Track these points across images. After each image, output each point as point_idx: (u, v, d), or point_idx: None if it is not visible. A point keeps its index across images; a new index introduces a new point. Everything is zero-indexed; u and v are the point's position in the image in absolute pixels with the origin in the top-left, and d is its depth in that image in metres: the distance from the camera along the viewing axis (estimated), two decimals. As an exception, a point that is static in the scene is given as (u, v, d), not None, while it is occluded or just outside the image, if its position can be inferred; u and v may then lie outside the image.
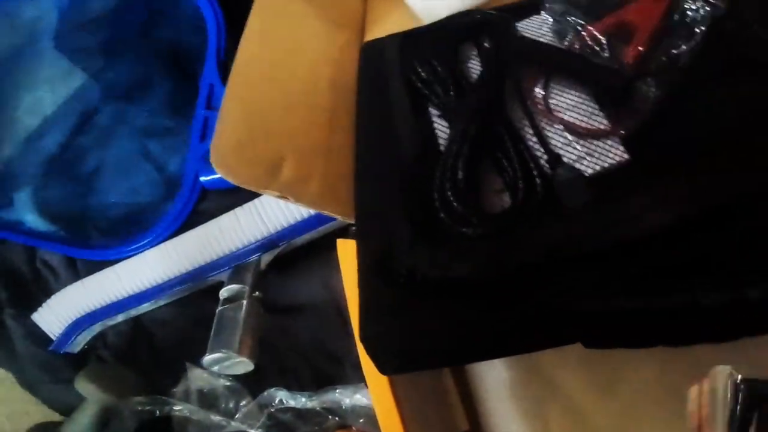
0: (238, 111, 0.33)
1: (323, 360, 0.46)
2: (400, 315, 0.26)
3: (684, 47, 0.27)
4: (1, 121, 0.55)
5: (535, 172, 0.26)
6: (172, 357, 0.50)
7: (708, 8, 0.28)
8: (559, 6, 0.30)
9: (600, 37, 0.28)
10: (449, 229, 0.25)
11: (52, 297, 0.49)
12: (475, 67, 0.30)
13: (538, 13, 0.31)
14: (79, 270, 0.51)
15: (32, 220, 0.51)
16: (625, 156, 0.27)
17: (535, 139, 0.27)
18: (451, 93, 0.28)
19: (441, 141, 0.28)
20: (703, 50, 0.27)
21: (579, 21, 0.29)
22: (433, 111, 0.29)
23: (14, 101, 0.54)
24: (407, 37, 0.33)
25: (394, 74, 0.31)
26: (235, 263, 0.44)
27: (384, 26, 0.42)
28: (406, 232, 0.25)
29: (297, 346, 0.47)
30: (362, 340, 0.27)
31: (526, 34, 0.31)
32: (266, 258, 0.44)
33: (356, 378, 0.44)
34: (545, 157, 0.27)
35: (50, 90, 0.53)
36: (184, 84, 0.46)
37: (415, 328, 0.26)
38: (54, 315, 0.49)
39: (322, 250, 0.43)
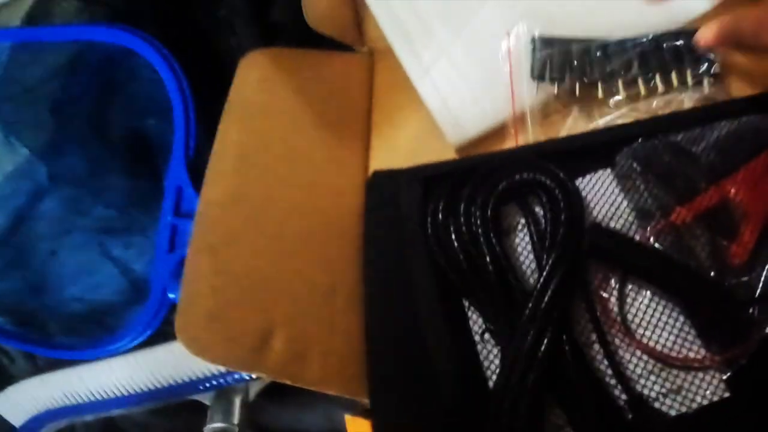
0: (208, 269, 0.26)
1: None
2: None
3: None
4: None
5: (610, 419, 0.20)
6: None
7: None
8: (632, 166, 0.23)
9: (692, 229, 0.21)
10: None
11: (10, 387, 0.44)
12: (522, 244, 0.23)
13: (606, 167, 0.24)
14: (37, 360, 0.46)
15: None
16: (725, 394, 0.20)
17: (608, 367, 0.21)
18: (495, 295, 0.21)
19: (485, 361, 0.21)
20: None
21: (661, 197, 0.22)
22: (472, 314, 0.22)
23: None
24: (429, 184, 0.25)
25: (417, 245, 0.23)
26: (216, 387, 0.38)
27: (395, 134, 0.34)
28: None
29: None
30: None
31: (589, 198, 0.23)
32: (255, 387, 0.38)
33: None
34: (622, 395, 0.20)
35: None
36: (146, 175, 0.39)
37: None
38: (13, 406, 0.45)
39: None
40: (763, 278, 0.20)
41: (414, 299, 0.23)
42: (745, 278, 0.21)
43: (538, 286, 0.20)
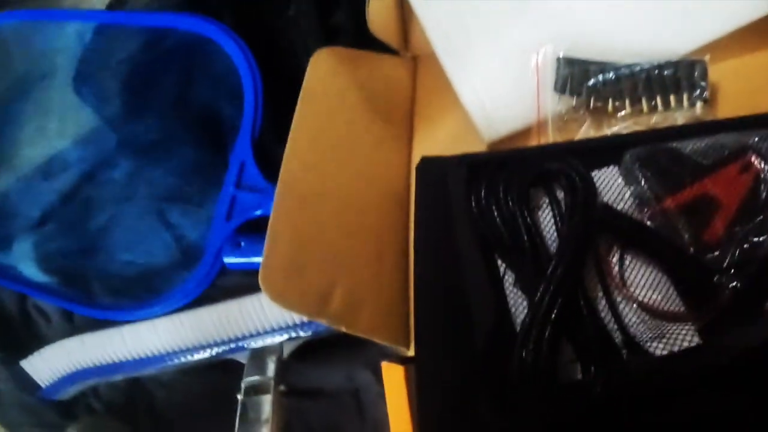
0: (288, 230, 0.31)
1: (336, 446, 0.45)
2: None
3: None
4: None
5: (610, 356, 0.26)
6: (172, 420, 0.48)
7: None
8: (635, 164, 0.29)
9: (678, 214, 0.27)
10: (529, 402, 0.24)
11: (47, 347, 0.47)
12: (547, 219, 0.29)
13: (616, 164, 0.30)
14: (75, 320, 0.49)
15: (31, 271, 0.48)
16: (697, 341, 0.26)
17: (610, 315, 0.27)
18: (527, 256, 0.27)
19: (513, 309, 0.27)
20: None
21: (655, 189, 0.28)
22: (506, 271, 0.28)
23: (16, 130, 0.51)
24: (473, 168, 0.31)
25: (462, 217, 0.29)
26: (254, 347, 0.43)
27: (434, 128, 0.40)
28: (486, 403, 0.24)
29: (310, 428, 0.45)
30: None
31: (601, 187, 0.29)
32: (289, 346, 0.42)
33: (369, 468, 0.44)
34: (620, 337, 0.26)
35: (58, 126, 0.49)
36: (212, 151, 0.44)
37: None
38: (47, 365, 0.47)
39: (349, 342, 0.42)
40: (729, 254, 0.27)
41: (459, 260, 0.28)
42: (716, 254, 0.27)
43: (560, 250, 0.26)
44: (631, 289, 0.27)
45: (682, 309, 0.27)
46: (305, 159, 0.33)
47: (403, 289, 0.35)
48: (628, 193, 0.29)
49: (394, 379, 0.33)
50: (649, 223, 0.28)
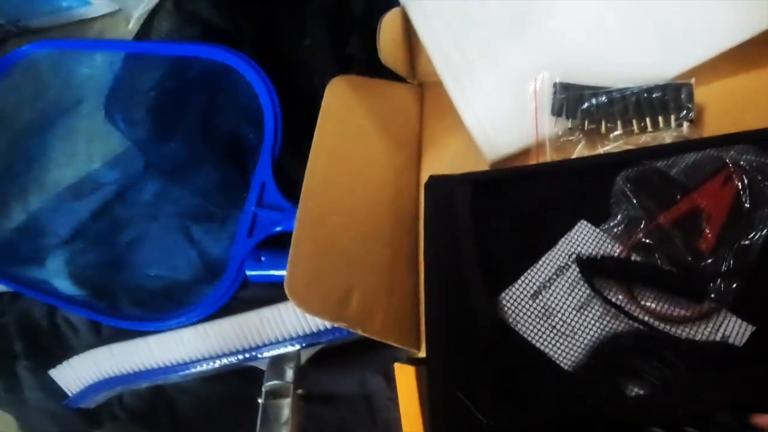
0: (309, 242, 0.34)
1: (349, 451, 0.47)
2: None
3: (756, 238, 0.29)
4: (32, 170, 0.54)
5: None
6: (193, 426, 0.50)
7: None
8: (627, 185, 0.32)
9: (672, 228, 0.30)
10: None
11: (75, 357, 0.49)
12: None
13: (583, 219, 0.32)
14: (102, 332, 0.51)
15: (63, 285, 0.50)
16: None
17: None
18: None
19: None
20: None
21: (648, 207, 0.30)
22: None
23: (49, 152, 0.54)
24: (477, 186, 0.34)
25: (466, 230, 0.32)
26: (274, 355, 0.45)
27: (441, 150, 0.43)
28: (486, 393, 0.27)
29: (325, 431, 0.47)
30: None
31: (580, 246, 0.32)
32: (306, 353, 0.45)
33: (382, 472, 0.45)
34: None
35: (89, 149, 0.52)
36: (233, 172, 0.47)
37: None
38: (75, 374, 0.49)
39: (363, 348, 0.44)
40: (723, 259, 0.29)
41: (463, 269, 0.31)
42: (711, 260, 0.29)
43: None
44: (644, 303, 0.29)
45: (686, 312, 0.28)
46: (324, 176, 0.36)
47: (414, 295, 0.37)
48: (605, 237, 0.31)
49: (405, 378, 0.36)
50: (646, 240, 0.30)
